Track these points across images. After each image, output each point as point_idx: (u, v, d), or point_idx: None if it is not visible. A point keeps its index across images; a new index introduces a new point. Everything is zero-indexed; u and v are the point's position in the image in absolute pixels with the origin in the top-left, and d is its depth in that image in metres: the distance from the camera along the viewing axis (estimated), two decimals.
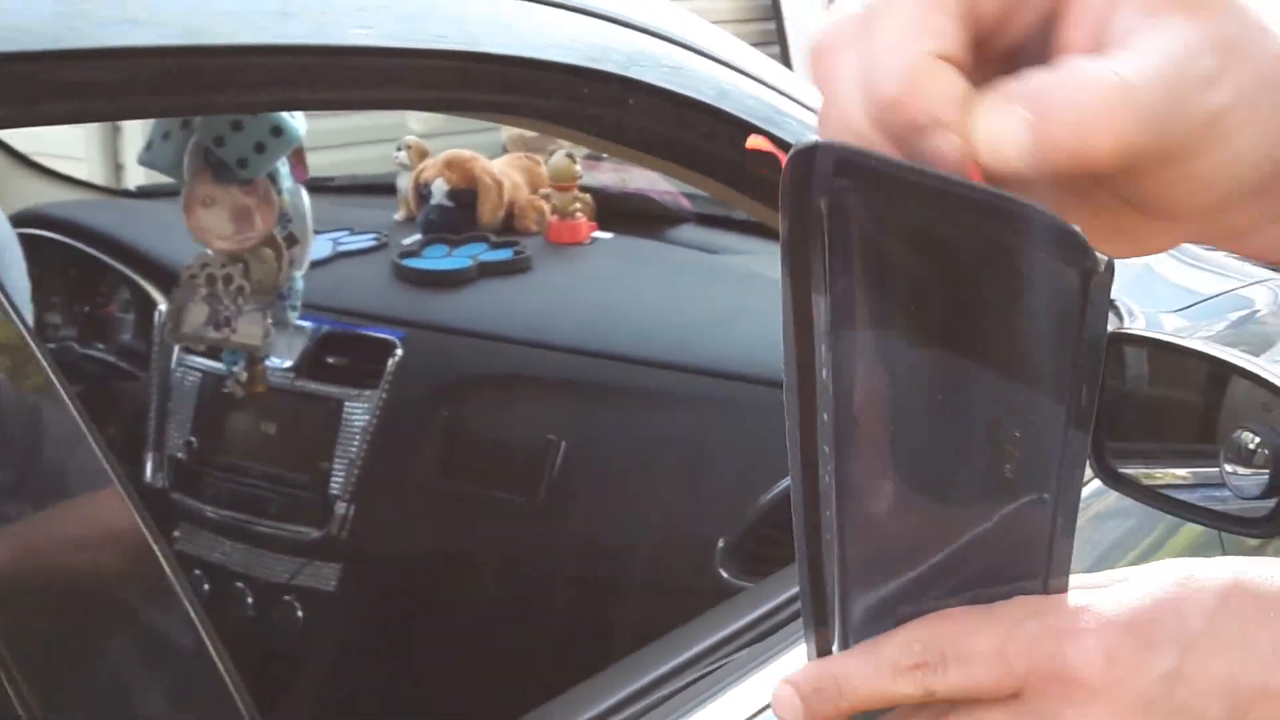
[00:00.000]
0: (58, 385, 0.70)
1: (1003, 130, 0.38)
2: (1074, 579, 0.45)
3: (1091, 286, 0.40)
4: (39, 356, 0.71)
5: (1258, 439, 1.25)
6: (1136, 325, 1.72)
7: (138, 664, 0.72)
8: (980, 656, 0.44)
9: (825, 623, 0.45)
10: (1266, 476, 1.25)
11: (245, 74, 0.79)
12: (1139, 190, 0.41)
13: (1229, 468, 1.30)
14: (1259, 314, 2.05)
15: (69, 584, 0.70)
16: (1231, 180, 0.41)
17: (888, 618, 0.45)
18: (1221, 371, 1.33)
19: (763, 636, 1.11)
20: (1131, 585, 0.45)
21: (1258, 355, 1.41)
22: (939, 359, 0.43)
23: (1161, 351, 1.41)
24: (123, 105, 0.77)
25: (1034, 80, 0.39)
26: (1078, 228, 0.39)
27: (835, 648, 0.46)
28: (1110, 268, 0.40)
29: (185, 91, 0.77)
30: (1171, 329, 1.83)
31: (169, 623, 0.72)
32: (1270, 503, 1.23)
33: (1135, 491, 1.37)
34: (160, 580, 0.72)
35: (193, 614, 0.73)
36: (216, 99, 0.82)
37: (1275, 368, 1.27)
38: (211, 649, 0.73)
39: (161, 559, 0.72)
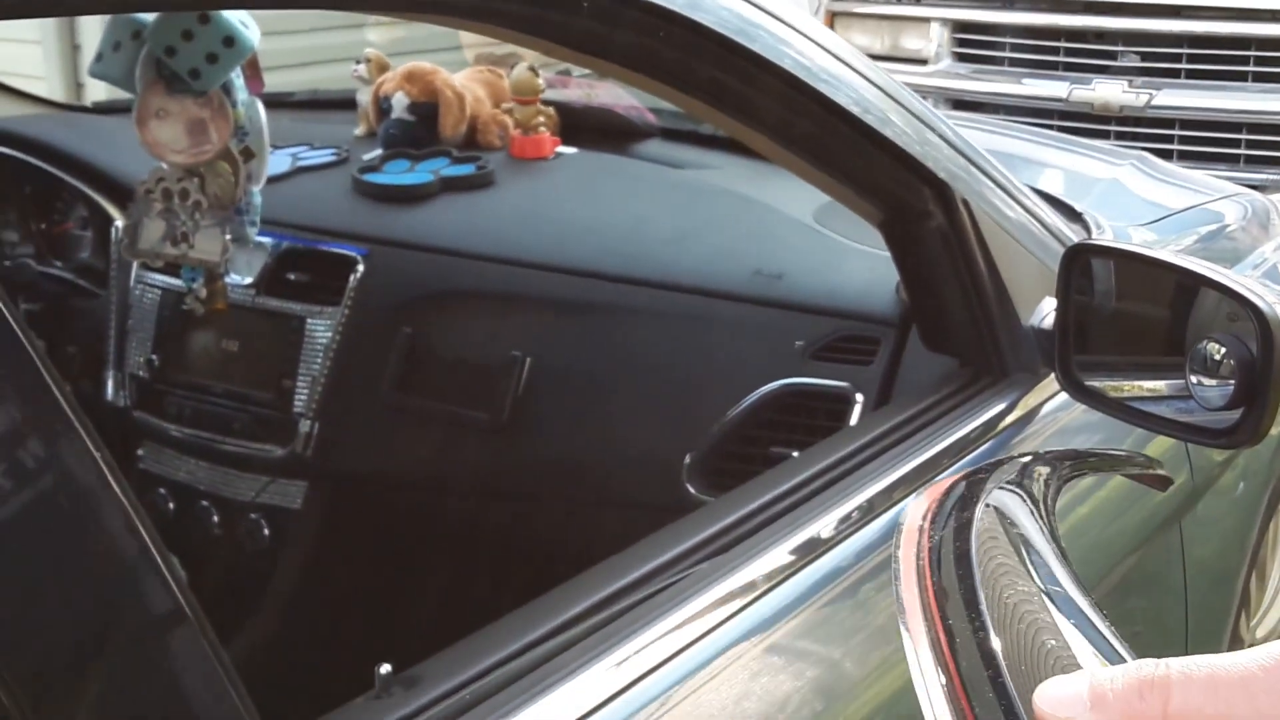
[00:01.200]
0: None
1: None
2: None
3: None
4: None
5: (1223, 349, 1.25)
6: (1105, 237, 1.71)
7: (96, 596, 0.70)
8: None
9: None
10: (1232, 387, 1.24)
11: None
12: None
13: (1195, 379, 1.29)
14: (1228, 228, 2.04)
15: (21, 517, 0.69)
16: None
17: None
18: (1189, 282, 1.32)
19: (725, 549, 1.11)
20: None
21: (1228, 268, 1.40)
22: None
23: (1128, 263, 1.40)
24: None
25: None
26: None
27: None
28: None
29: None
30: (1140, 242, 1.82)
31: (127, 552, 0.71)
32: (1236, 413, 1.23)
33: (1102, 404, 1.37)
34: (118, 510, 0.70)
35: (149, 543, 0.71)
36: None
37: (1242, 278, 1.26)
38: (172, 581, 0.71)
39: (118, 491, 0.70)
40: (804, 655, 1.07)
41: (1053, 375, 1.46)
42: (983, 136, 1.56)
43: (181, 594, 0.72)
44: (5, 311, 0.69)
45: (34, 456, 0.70)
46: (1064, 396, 1.48)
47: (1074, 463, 0.76)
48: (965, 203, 1.42)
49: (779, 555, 1.11)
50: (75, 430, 0.69)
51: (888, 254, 1.51)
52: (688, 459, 1.66)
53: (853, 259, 1.72)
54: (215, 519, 1.94)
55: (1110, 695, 0.41)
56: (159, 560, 0.71)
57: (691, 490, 1.65)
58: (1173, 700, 0.40)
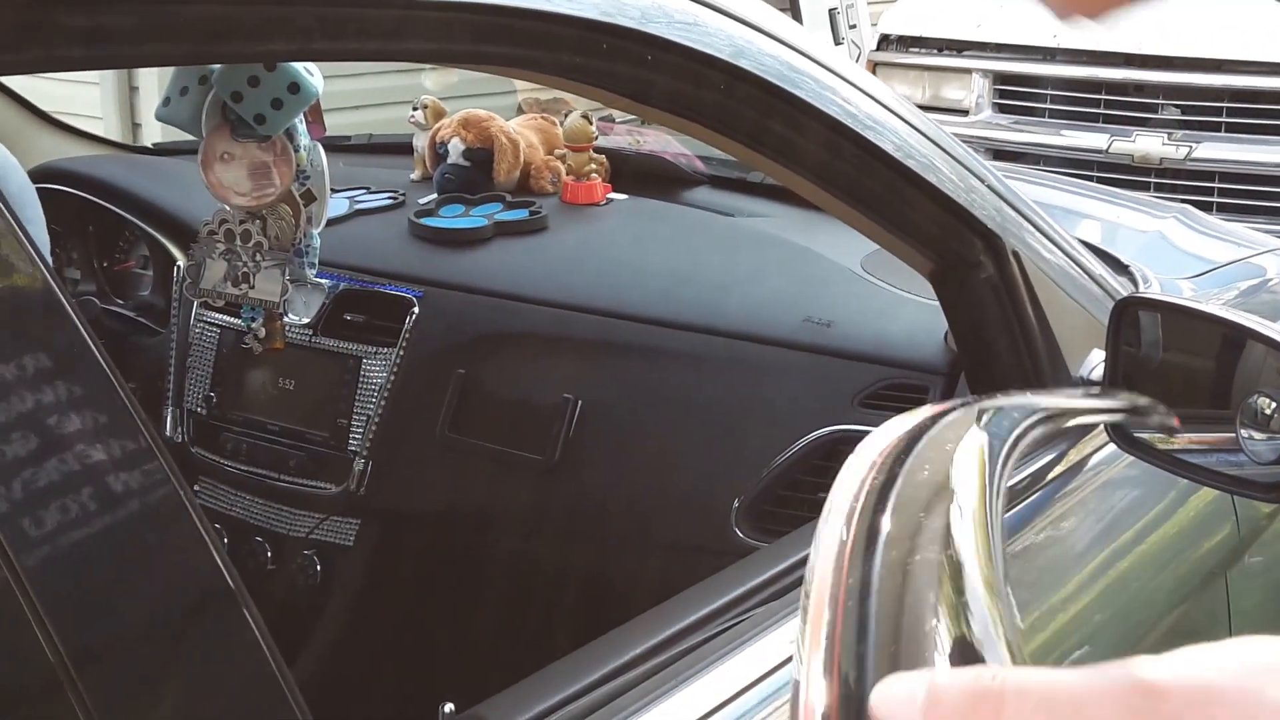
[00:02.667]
0: (87, 339, 0.71)
1: None
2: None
3: None
4: (69, 310, 0.72)
5: (1274, 404, 1.26)
6: (1153, 290, 1.73)
7: (169, 613, 0.73)
8: None
9: None
10: None
11: (269, 23, 0.80)
12: None
13: (1244, 433, 1.30)
14: (1270, 282, 2.05)
15: (102, 536, 0.72)
16: None
17: None
18: (1237, 336, 1.33)
19: (779, 595, 1.13)
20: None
21: (1273, 322, 1.41)
22: None
23: (1177, 316, 1.42)
24: (147, 52, 0.77)
25: None
26: None
27: None
28: None
29: (215, 40, 0.77)
30: (1186, 295, 1.84)
31: (199, 573, 0.73)
32: None
33: (1151, 456, 1.38)
34: (191, 531, 0.73)
35: (220, 562, 0.74)
36: (240, 48, 0.82)
37: None
38: (240, 599, 0.74)
39: (192, 511, 0.73)
40: None
41: (1100, 427, 1.48)
42: (1026, 187, 1.58)
43: (255, 625, 0.75)
44: (91, 343, 0.72)
45: (119, 482, 0.73)
46: (1111, 448, 1.49)
47: (1041, 416, 0.73)
48: (1016, 254, 1.44)
49: None
50: (158, 460, 0.72)
51: (935, 303, 1.54)
52: (736, 503, 1.68)
53: (901, 307, 1.74)
54: (269, 554, 1.97)
55: (944, 701, 0.41)
56: (234, 587, 0.74)
57: (740, 534, 1.66)
58: (1004, 713, 0.39)
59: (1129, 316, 1.38)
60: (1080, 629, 1.38)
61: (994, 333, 1.44)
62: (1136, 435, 1.40)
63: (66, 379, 0.70)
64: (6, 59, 0.67)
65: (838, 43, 6.07)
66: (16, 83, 2.41)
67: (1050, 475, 1.44)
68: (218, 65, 1.67)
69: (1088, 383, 1.51)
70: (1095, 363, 1.53)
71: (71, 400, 0.70)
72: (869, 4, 6.73)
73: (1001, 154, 4.73)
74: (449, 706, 0.89)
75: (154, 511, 0.73)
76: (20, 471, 0.67)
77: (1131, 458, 1.51)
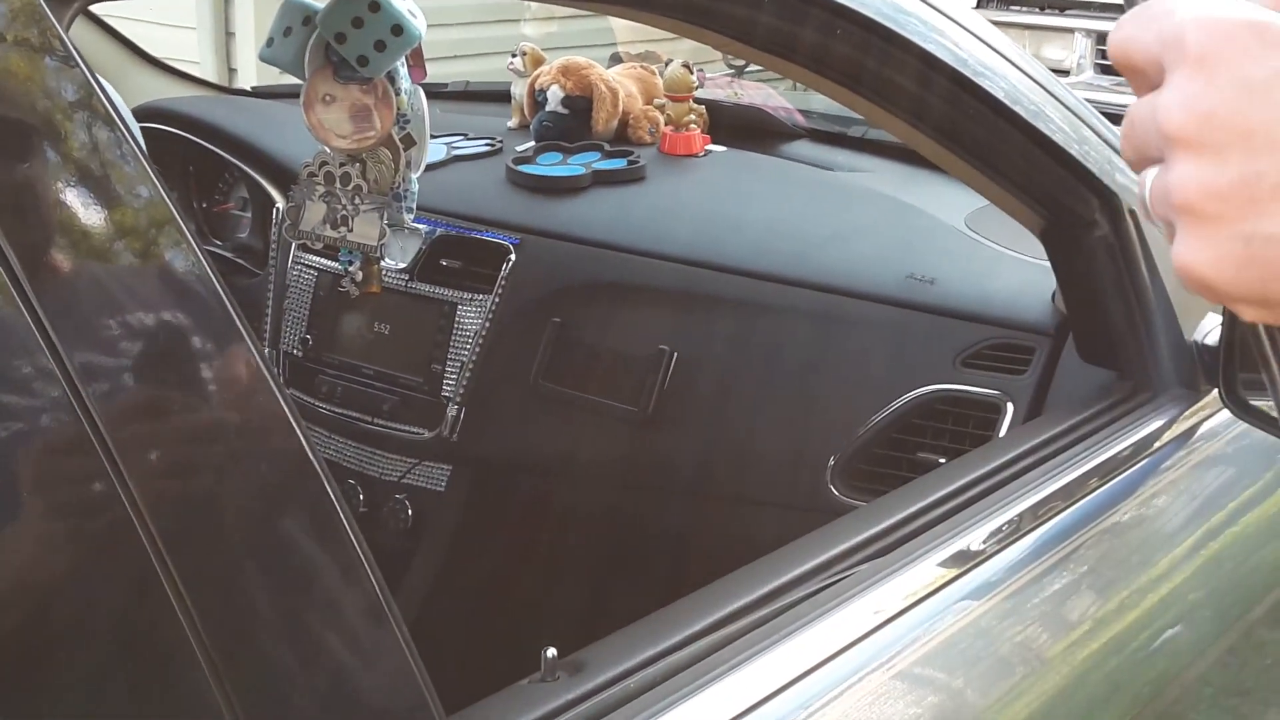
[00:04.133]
0: (208, 270, 0.71)
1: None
2: None
3: None
4: (190, 240, 0.71)
5: None
6: None
7: (283, 543, 0.73)
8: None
9: None
10: None
11: None
12: None
13: None
14: None
15: (219, 463, 0.71)
16: None
17: None
18: None
19: (881, 553, 1.11)
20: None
21: None
22: None
23: None
24: None
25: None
26: None
27: None
28: None
29: None
30: None
31: (313, 508, 0.73)
32: None
33: (1266, 424, 1.35)
34: (303, 461, 0.72)
35: (331, 495, 0.74)
36: None
37: None
38: (348, 529, 0.74)
39: (303, 440, 0.73)
40: (963, 662, 1.07)
41: (1213, 393, 1.44)
42: None
43: (368, 564, 0.74)
44: (214, 278, 0.72)
45: (247, 432, 0.73)
46: (1223, 416, 1.45)
47: None
48: (1131, 212, 1.40)
49: (929, 566, 1.11)
50: (281, 407, 0.71)
51: (1042, 262, 1.50)
52: (832, 461, 1.66)
53: (1006, 266, 1.71)
54: (361, 497, 1.98)
55: None
56: (353, 538, 0.73)
57: (835, 492, 1.64)
58: None
59: None
60: (1173, 608, 1.35)
61: (1107, 295, 1.41)
62: (1252, 402, 1.36)
63: (193, 321, 0.70)
64: None
65: None
66: (119, 24, 2.43)
67: (1159, 442, 1.41)
68: (322, 6, 1.67)
69: (1201, 348, 1.47)
70: (1210, 327, 1.48)
71: (196, 341, 0.70)
72: None
73: (1104, 116, 4.63)
74: (551, 651, 0.88)
75: (270, 441, 0.73)
76: (144, 402, 0.67)
77: (1235, 431, 1.47)
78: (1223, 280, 0.49)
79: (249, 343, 0.72)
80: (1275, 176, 0.47)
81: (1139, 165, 0.52)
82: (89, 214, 0.67)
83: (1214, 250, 0.48)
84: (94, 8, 1.95)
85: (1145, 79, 0.51)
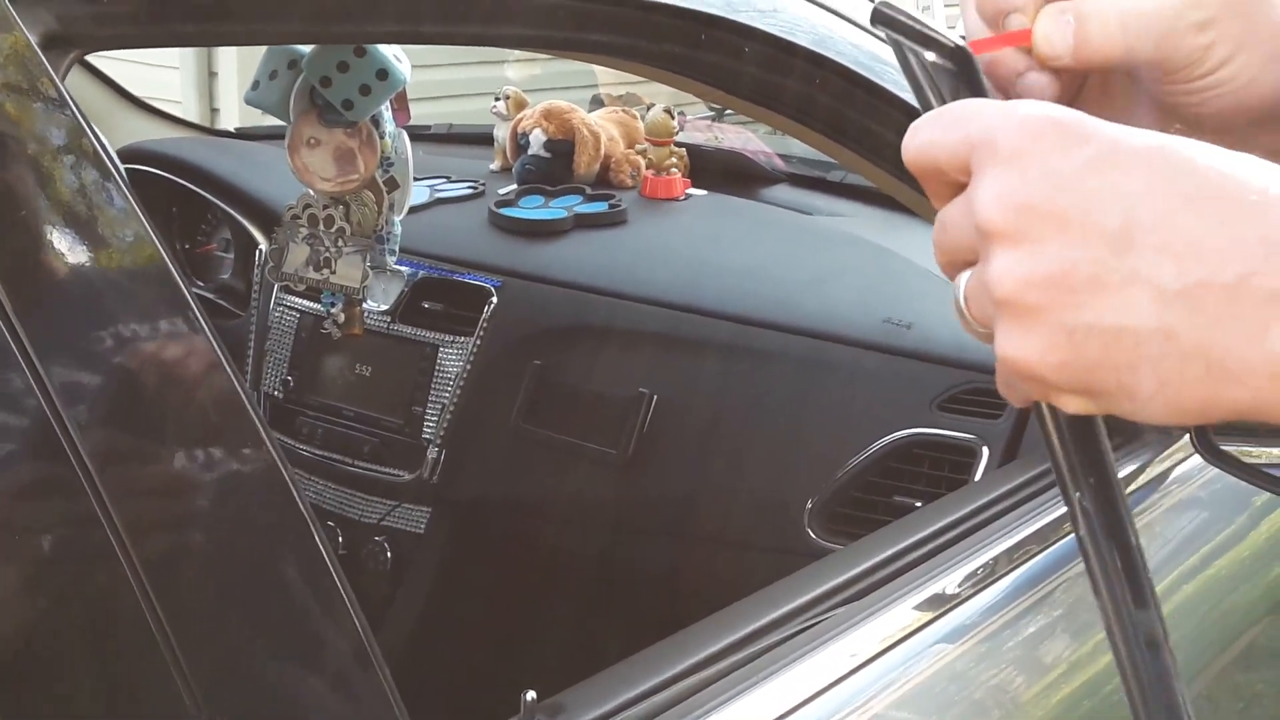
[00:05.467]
0: (194, 311, 0.72)
1: (1053, 30, 0.57)
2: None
3: None
4: (177, 281, 0.72)
5: None
6: None
7: (266, 579, 0.74)
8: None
9: None
10: None
11: (373, 4, 0.80)
12: (1169, 99, 0.58)
13: None
14: None
15: (205, 506, 0.72)
16: (1231, 98, 0.58)
17: None
18: None
19: (857, 597, 1.12)
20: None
21: None
22: None
23: None
24: (258, 31, 0.78)
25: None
26: None
27: None
28: None
29: (317, 20, 0.78)
30: None
31: (297, 548, 0.74)
32: None
33: (1236, 469, 1.36)
34: (288, 503, 0.73)
35: (315, 534, 0.75)
36: (340, 30, 0.82)
37: None
38: (333, 571, 0.74)
39: (289, 481, 0.74)
40: (938, 706, 1.07)
41: (1185, 438, 1.45)
42: None
43: (350, 606, 0.75)
44: (204, 325, 0.73)
45: (231, 469, 0.73)
46: (1195, 461, 1.47)
47: None
48: None
49: (905, 610, 1.12)
50: (265, 445, 0.72)
51: None
52: (809, 504, 1.67)
53: None
54: (340, 539, 1.98)
55: None
56: (331, 568, 0.74)
57: (812, 535, 1.65)
58: None
59: None
60: None
61: None
62: (1223, 447, 1.37)
63: (180, 361, 0.71)
64: (129, 32, 0.67)
65: None
66: (102, 64, 2.44)
67: (1133, 486, 1.42)
68: (308, 51, 1.69)
69: None
70: None
71: (183, 382, 0.71)
72: (945, 5, 6.71)
73: None
74: (531, 694, 0.88)
75: (255, 486, 0.74)
76: (130, 445, 0.68)
77: (1208, 475, 1.49)
78: (1049, 371, 0.49)
79: (236, 383, 0.73)
80: (1090, 268, 0.48)
81: (952, 269, 0.52)
82: (77, 254, 0.68)
83: (1038, 342, 0.49)
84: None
85: (945, 183, 0.52)
